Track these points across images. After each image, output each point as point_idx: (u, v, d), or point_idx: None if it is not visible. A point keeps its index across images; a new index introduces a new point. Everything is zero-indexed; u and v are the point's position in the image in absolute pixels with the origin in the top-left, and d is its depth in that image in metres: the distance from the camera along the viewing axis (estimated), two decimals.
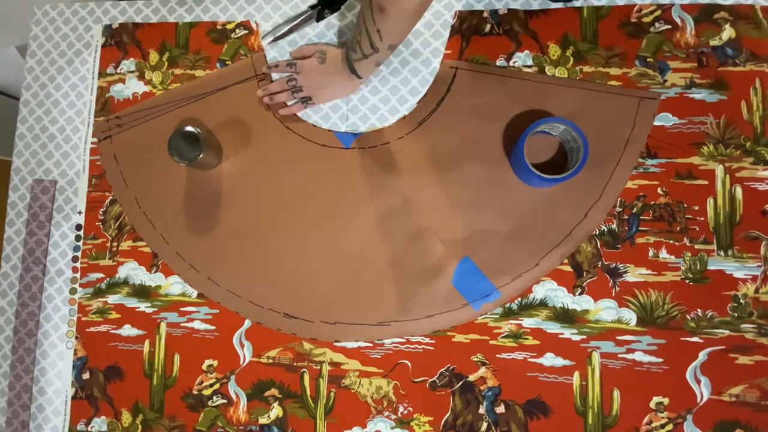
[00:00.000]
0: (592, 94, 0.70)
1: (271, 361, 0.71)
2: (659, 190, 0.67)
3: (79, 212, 0.78)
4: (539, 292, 0.68)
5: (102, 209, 0.78)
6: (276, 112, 0.75)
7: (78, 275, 0.77)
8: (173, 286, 0.74)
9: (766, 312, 0.64)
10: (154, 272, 0.75)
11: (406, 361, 0.69)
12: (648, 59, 0.70)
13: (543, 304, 0.68)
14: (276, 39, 0.75)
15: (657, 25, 0.70)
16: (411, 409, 0.68)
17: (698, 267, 0.66)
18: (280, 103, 0.74)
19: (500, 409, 0.66)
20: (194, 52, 0.79)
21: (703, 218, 0.66)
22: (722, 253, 0.65)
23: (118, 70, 0.80)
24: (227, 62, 0.77)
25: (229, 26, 0.78)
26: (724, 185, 0.66)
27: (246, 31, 0.78)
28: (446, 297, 0.69)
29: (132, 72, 0.80)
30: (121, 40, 0.81)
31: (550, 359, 0.67)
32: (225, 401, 0.71)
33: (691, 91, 0.68)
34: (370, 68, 0.67)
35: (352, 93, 0.73)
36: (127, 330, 0.75)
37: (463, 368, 0.68)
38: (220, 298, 0.73)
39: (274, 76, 0.75)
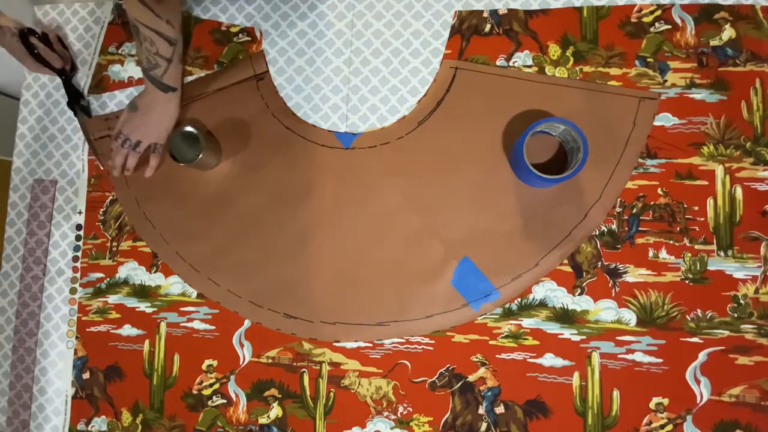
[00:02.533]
0: (592, 94, 0.69)
1: (270, 361, 0.71)
2: (659, 191, 0.67)
3: (80, 212, 0.78)
4: (539, 292, 0.68)
5: (102, 209, 0.78)
6: (142, 177, 0.75)
7: (78, 275, 0.77)
8: (173, 286, 0.75)
9: (766, 312, 0.64)
10: (154, 272, 0.75)
11: (406, 362, 0.69)
12: (648, 59, 0.70)
13: (543, 304, 0.67)
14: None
15: (657, 25, 0.70)
16: (410, 410, 0.68)
17: (698, 267, 0.65)
18: (141, 168, 0.73)
19: (500, 409, 0.66)
20: (194, 48, 0.78)
21: (703, 218, 0.66)
22: (722, 253, 0.65)
23: (120, 51, 0.80)
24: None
25: (233, 29, 0.78)
26: (724, 185, 0.66)
27: (249, 38, 0.78)
28: (446, 297, 0.69)
29: (132, 56, 0.80)
30: (128, 21, 0.80)
31: (549, 359, 0.67)
32: (225, 401, 0.71)
33: (691, 91, 0.68)
34: (178, 71, 0.67)
35: (176, 112, 0.71)
36: (127, 330, 0.75)
37: (462, 368, 0.68)
38: (220, 298, 0.73)
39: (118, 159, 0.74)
